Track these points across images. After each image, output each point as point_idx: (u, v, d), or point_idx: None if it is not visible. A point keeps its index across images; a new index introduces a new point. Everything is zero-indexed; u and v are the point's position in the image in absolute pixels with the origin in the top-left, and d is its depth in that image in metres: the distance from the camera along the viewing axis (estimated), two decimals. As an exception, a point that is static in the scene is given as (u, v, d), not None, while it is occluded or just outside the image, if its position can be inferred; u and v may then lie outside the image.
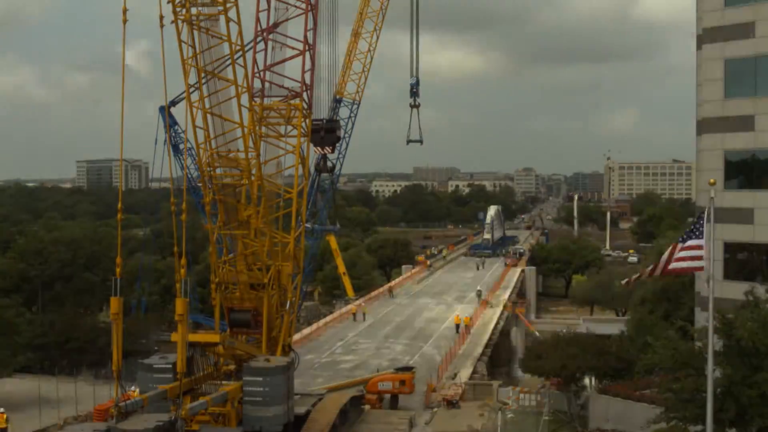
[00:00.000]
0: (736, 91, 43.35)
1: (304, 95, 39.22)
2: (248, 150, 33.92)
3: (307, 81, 39.31)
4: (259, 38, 39.39)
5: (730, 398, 29.50)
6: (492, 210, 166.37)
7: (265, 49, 39.39)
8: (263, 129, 39.15)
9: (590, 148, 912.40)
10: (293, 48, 39.38)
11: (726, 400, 29.54)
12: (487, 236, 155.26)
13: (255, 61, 39.31)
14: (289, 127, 39.69)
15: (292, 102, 39.16)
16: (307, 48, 39.01)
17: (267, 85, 39.36)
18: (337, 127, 48.12)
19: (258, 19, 39.07)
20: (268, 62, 39.34)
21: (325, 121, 49.60)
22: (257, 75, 39.42)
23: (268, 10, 39.02)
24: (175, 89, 53.54)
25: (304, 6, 38.77)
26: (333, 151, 48.22)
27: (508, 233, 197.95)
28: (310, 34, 39.02)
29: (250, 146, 34.29)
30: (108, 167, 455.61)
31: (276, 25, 39.49)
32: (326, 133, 46.72)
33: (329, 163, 49.08)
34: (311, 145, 50.40)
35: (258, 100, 39.07)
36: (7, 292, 77.71)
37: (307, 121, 39.85)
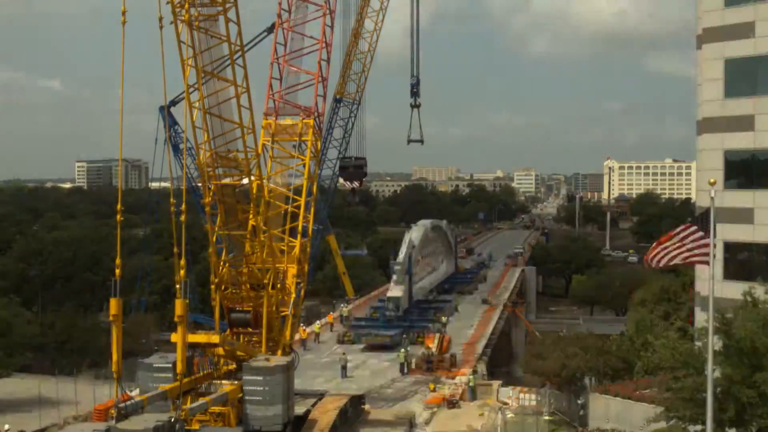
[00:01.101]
0: (736, 91, 43.40)
1: (316, 120, 41.59)
2: (248, 150, 33.98)
3: (319, 107, 41.74)
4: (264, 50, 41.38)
5: (730, 398, 29.51)
6: (416, 232, 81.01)
7: (281, 77, 41.68)
8: (274, 146, 41.44)
9: (590, 148, 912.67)
10: (308, 72, 41.94)
11: (726, 400, 29.55)
12: (394, 293, 70.52)
13: (270, 85, 41.80)
14: (300, 146, 41.98)
15: (305, 120, 41.28)
16: (320, 79, 41.51)
17: (281, 104, 41.68)
18: (364, 164, 51.92)
19: (275, 48, 41.63)
20: (283, 87, 41.75)
21: (354, 158, 53.18)
22: (272, 97, 41.87)
23: (285, 41, 41.52)
24: (175, 89, 53.71)
25: (318, 41, 41.42)
26: (361, 185, 51.83)
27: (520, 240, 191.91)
28: (324, 66, 41.54)
29: (250, 146, 34.39)
30: (108, 167, 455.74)
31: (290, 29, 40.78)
32: (354, 169, 50.18)
33: (357, 197, 52.35)
34: (341, 179, 54.49)
35: (272, 118, 41.48)
36: (6, 292, 77.75)
37: (318, 143, 42.42)
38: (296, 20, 41.84)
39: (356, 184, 51.29)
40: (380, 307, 72.67)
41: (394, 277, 73.33)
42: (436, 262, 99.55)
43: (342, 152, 61.89)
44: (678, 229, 26.99)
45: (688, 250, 26.57)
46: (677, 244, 26.69)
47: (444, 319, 70.48)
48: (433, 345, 58.81)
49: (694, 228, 26.55)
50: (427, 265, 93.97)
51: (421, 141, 76.47)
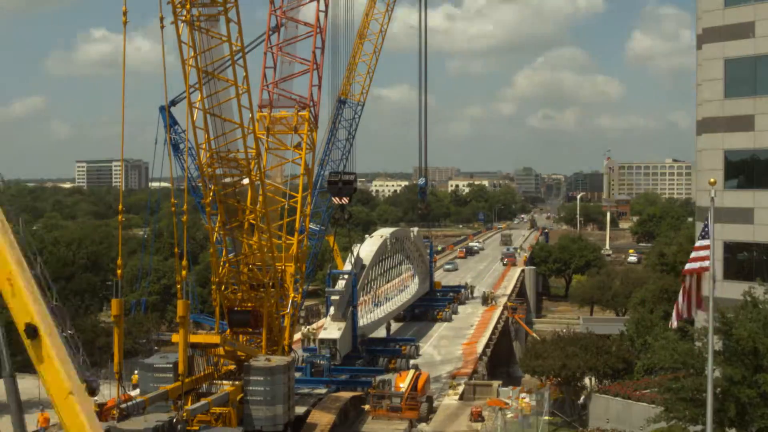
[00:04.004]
0: (736, 91, 43.43)
1: (311, 110, 41.22)
2: (248, 150, 34.04)
3: (314, 97, 41.37)
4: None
5: (730, 398, 29.54)
6: (368, 246, 66.40)
7: (275, 65, 41.45)
8: (269, 139, 40.97)
9: (590, 148, 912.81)
10: (302, 62, 41.76)
11: (726, 400, 29.58)
12: (330, 334, 53.82)
13: (264, 75, 41.44)
14: (295, 138, 41.71)
15: (300, 113, 41.09)
16: (314, 67, 41.14)
17: (275, 96, 41.46)
18: (353, 179, 50.31)
19: (268, 36, 41.31)
20: (277, 77, 41.49)
21: (342, 173, 52.05)
22: (266, 88, 41.45)
23: (278, 28, 41.19)
24: (176, 89, 53.78)
25: (312, 27, 41.30)
26: (350, 202, 50.05)
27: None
28: (318, 53, 41.37)
29: (251, 146, 34.46)
30: (108, 167, 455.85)
31: (283, 32, 41.03)
32: (344, 185, 48.88)
33: (346, 213, 50.46)
34: (329, 195, 52.79)
35: (266, 110, 41.16)
36: None
37: (314, 134, 42.02)
38: (290, 5, 41.56)
39: (345, 200, 49.98)
40: (313, 350, 55.19)
41: (331, 311, 56.17)
42: (404, 280, 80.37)
43: (345, 154, 61.96)
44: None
45: (692, 260, 26.78)
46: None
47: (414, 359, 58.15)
48: (404, 383, 46.62)
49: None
50: (391, 287, 75.21)
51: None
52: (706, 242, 26.71)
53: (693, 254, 27.39)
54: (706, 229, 26.91)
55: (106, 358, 57.31)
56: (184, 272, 31.40)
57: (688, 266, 27.90)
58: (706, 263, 26.70)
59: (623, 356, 49.52)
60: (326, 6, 41.73)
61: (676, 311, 28.67)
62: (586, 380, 50.02)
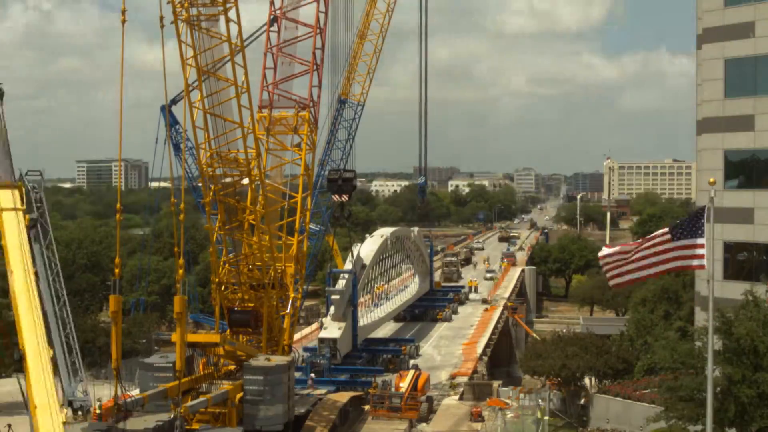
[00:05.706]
0: (736, 91, 43.42)
1: (311, 110, 41.43)
2: (248, 150, 34.07)
3: (314, 97, 41.60)
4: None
5: (730, 398, 29.52)
6: (369, 245, 65.84)
7: (275, 66, 41.64)
8: (269, 140, 41.10)
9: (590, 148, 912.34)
10: (302, 62, 41.91)
11: (726, 399, 29.56)
12: (330, 333, 54.48)
13: (264, 75, 41.67)
14: (296, 139, 41.95)
15: (300, 113, 41.25)
16: (314, 67, 41.31)
17: (276, 96, 41.62)
18: (353, 176, 50.22)
19: (268, 37, 41.58)
20: (277, 77, 41.73)
21: (342, 170, 51.98)
22: (266, 88, 41.67)
23: (278, 29, 41.45)
24: (176, 89, 53.89)
25: (312, 28, 41.58)
26: (350, 199, 49.92)
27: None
28: (318, 54, 41.62)
29: (251, 146, 34.51)
30: (108, 167, 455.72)
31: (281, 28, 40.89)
32: (343, 182, 48.79)
33: (346, 211, 50.29)
34: (329, 193, 52.92)
35: (266, 111, 41.33)
36: (7, 293, 77.62)
37: (314, 135, 42.22)
38: (290, 5, 41.75)
39: (345, 197, 49.86)
40: (313, 350, 54.99)
41: (332, 310, 56.19)
42: (404, 280, 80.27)
43: (346, 154, 62.03)
44: (650, 241, 26.36)
45: (680, 258, 26.24)
46: (655, 254, 26.23)
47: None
48: (404, 383, 46.79)
49: (668, 236, 26.12)
50: (392, 287, 75.23)
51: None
52: (701, 240, 26.22)
53: (680, 252, 25.98)
54: (701, 227, 26.39)
55: (105, 358, 57.38)
56: (180, 271, 31.30)
57: (671, 265, 26.08)
58: (701, 261, 26.39)
59: (623, 356, 49.52)
60: (326, 6, 41.80)
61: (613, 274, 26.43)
62: (586, 380, 50.03)
